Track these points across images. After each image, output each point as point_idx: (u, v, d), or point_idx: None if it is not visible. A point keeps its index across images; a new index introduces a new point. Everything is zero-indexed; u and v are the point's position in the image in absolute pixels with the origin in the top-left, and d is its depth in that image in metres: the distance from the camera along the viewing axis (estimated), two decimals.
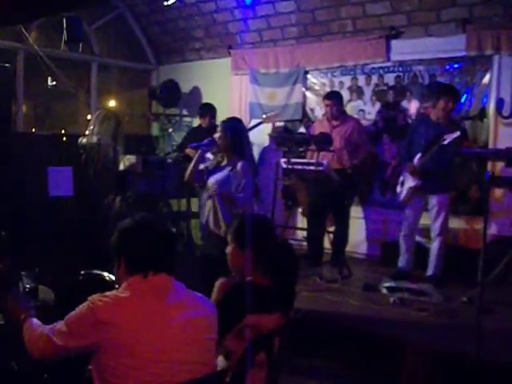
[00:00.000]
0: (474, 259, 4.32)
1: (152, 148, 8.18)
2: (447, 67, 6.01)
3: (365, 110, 6.70)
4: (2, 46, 6.99)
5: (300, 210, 7.14)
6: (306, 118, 7.24)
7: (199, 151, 4.22)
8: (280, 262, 2.46)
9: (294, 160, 5.75)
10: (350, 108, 6.68)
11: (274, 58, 7.41)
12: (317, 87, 7.16)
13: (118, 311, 1.92)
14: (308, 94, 7.24)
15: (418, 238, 5.65)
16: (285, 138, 6.48)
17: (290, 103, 7.32)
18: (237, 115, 7.52)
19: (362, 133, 6.04)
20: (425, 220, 5.51)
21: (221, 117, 5.88)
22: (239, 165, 4.06)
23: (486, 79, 5.76)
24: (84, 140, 6.60)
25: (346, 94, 6.62)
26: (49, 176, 5.59)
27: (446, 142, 4.96)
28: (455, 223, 5.92)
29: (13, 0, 4.10)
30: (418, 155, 5.23)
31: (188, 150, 6.24)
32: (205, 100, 8.23)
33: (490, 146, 5.72)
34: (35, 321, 2.19)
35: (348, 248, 6.14)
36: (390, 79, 6.47)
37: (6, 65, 6.33)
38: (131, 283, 2.03)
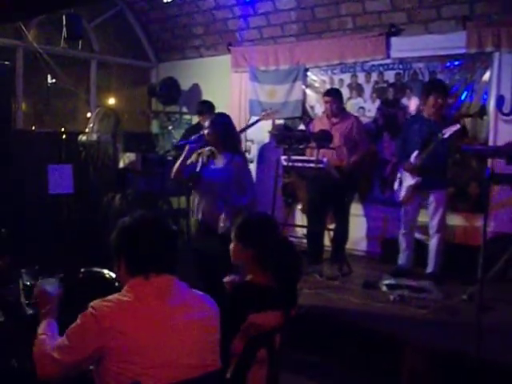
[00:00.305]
0: (474, 256, 4.32)
1: (152, 146, 8.17)
2: (447, 64, 6.00)
3: (365, 107, 6.69)
4: (1, 43, 6.98)
5: (300, 207, 7.14)
6: (305, 116, 7.23)
7: (187, 148, 4.17)
8: (282, 260, 2.45)
9: (294, 157, 5.74)
10: (350, 105, 6.68)
11: (274, 55, 7.40)
12: (317, 84, 7.15)
13: (122, 317, 1.87)
14: (308, 91, 7.23)
15: (417, 236, 5.66)
16: (285, 136, 6.47)
17: (290, 100, 7.31)
18: (237, 113, 7.58)
19: (361, 130, 6.04)
20: (424, 217, 5.51)
21: None
22: (235, 159, 4.09)
23: (487, 76, 5.75)
24: (84, 138, 6.61)
25: (345, 92, 6.61)
26: (49, 174, 5.59)
27: (446, 136, 4.97)
28: (455, 220, 5.92)
29: None
30: (415, 153, 5.23)
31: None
32: (205, 97, 8.22)
33: (490, 143, 5.72)
34: (51, 326, 2.10)
35: (348, 245, 6.15)
36: (389, 76, 6.46)
37: (6, 62, 6.34)
38: (133, 286, 1.98)
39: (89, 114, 7.58)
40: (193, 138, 4.21)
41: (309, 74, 7.20)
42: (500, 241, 5.14)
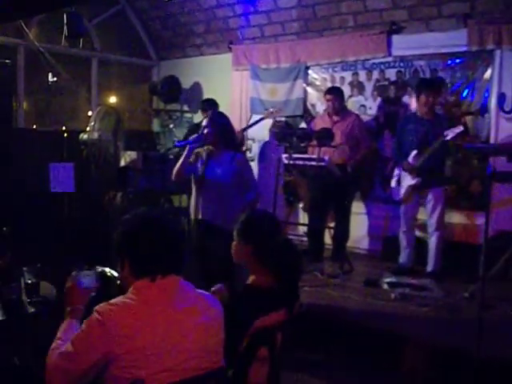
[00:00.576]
0: (475, 254, 4.32)
1: (153, 144, 8.19)
2: (449, 62, 5.99)
3: (366, 105, 6.69)
4: (2, 42, 6.98)
5: (301, 205, 7.14)
6: (307, 114, 7.23)
7: (187, 148, 4.12)
8: (282, 259, 2.45)
9: (295, 155, 5.75)
10: (351, 103, 6.68)
11: (275, 53, 7.40)
12: (318, 83, 7.14)
13: (129, 322, 1.80)
14: (309, 89, 7.23)
15: (418, 234, 5.66)
16: (286, 134, 6.48)
17: (291, 99, 7.31)
18: (238, 111, 7.59)
19: (362, 128, 6.05)
20: (424, 215, 5.52)
21: None
22: (237, 157, 4.09)
23: (488, 74, 5.74)
24: (85, 136, 6.62)
25: (347, 90, 6.61)
26: (50, 172, 5.59)
27: (448, 138, 4.99)
28: (456, 218, 5.92)
29: None
30: (414, 152, 5.25)
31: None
32: (206, 96, 8.22)
33: (492, 140, 5.71)
34: (72, 329, 1.98)
35: (349, 243, 6.15)
36: (391, 74, 6.46)
37: (7, 61, 6.35)
38: (139, 288, 1.91)
39: (90, 113, 7.59)
40: (192, 138, 4.17)
41: (310, 72, 7.20)
42: (501, 239, 5.14)
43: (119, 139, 6.76)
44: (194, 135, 4.18)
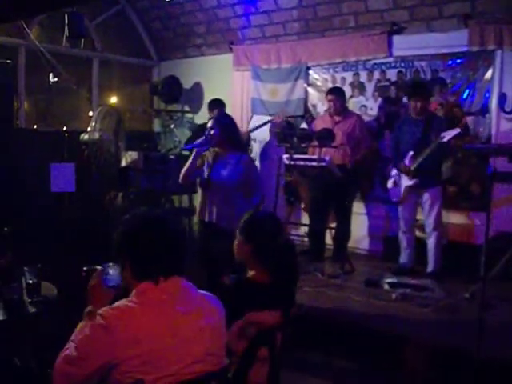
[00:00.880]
0: (476, 255, 4.32)
1: (154, 144, 8.19)
2: (449, 63, 5.99)
3: (367, 105, 6.69)
4: (3, 42, 6.98)
5: (302, 205, 7.14)
6: (308, 114, 7.23)
7: (194, 151, 4.10)
8: (280, 260, 2.47)
9: (296, 156, 5.75)
10: (352, 104, 6.68)
11: (276, 53, 7.40)
12: (319, 83, 7.15)
13: (133, 326, 1.77)
14: (310, 89, 7.23)
15: (418, 234, 5.66)
16: (287, 134, 6.48)
17: (292, 99, 7.31)
18: (238, 111, 7.59)
19: (363, 128, 6.05)
20: (422, 215, 5.53)
21: None
22: (242, 158, 4.04)
23: (489, 74, 5.74)
24: (86, 136, 6.62)
25: (347, 90, 6.61)
26: (51, 172, 5.60)
27: (445, 140, 5.00)
28: (457, 219, 5.93)
29: None
30: (410, 153, 5.26)
31: None
32: (206, 96, 8.23)
33: (493, 141, 5.71)
34: None
35: (350, 243, 6.15)
36: (392, 75, 6.46)
37: (8, 61, 6.35)
38: (142, 291, 1.88)
39: (91, 113, 7.58)
40: (199, 141, 4.11)
41: (311, 72, 7.20)
42: (501, 239, 5.14)
43: (120, 139, 6.76)
44: (202, 138, 4.11)
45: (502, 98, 5.66)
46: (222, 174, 4.01)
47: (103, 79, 8.40)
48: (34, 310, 3.02)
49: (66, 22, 6.50)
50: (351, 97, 6.74)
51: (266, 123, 6.96)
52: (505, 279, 4.87)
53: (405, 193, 5.38)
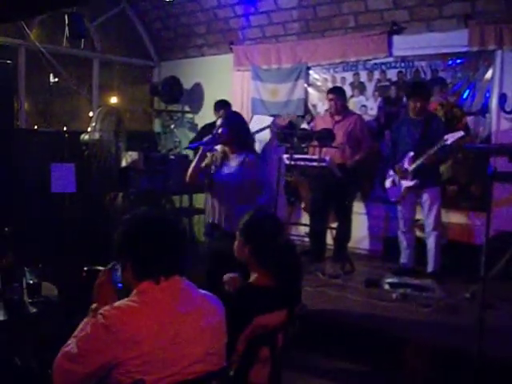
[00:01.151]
0: (476, 254, 4.32)
1: (154, 144, 8.18)
2: (449, 63, 6.00)
3: (367, 105, 6.69)
4: (3, 42, 6.98)
5: (302, 205, 7.15)
6: (308, 114, 7.23)
7: (200, 150, 3.99)
8: (281, 261, 2.46)
9: (296, 156, 5.74)
10: (352, 104, 6.68)
11: (276, 53, 7.40)
12: (319, 83, 7.15)
13: (135, 327, 1.76)
14: (310, 89, 7.23)
15: (418, 234, 5.66)
16: (287, 134, 6.48)
17: (292, 99, 7.31)
18: (239, 111, 7.56)
19: (364, 128, 6.05)
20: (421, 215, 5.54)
21: None
22: (248, 158, 3.88)
23: (489, 74, 5.74)
24: (86, 137, 6.61)
25: (348, 90, 6.61)
26: (51, 172, 5.60)
27: (448, 142, 4.99)
28: (457, 219, 5.93)
29: None
30: (410, 154, 5.26)
31: None
32: (207, 96, 8.25)
33: (493, 141, 5.71)
34: None
35: (350, 244, 6.15)
36: (392, 75, 6.47)
37: (8, 61, 6.34)
38: (142, 291, 1.87)
39: (91, 113, 7.58)
40: (205, 139, 3.97)
41: (311, 72, 7.20)
42: (501, 239, 5.14)
43: (120, 140, 6.75)
44: (208, 136, 3.97)
45: (502, 98, 5.66)
46: (225, 175, 3.92)
47: (103, 80, 8.41)
48: (34, 310, 3.02)
49: (67, 22, 6.50)
50: (351, 97, 6.74)
51: (269, 126, 6.95)
52: (505, 279, 4.88)
53: (404, 193, 5.38)
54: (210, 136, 3.97)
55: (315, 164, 5.56)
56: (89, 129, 6.64)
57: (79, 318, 1.94)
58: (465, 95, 5.91)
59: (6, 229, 3.81)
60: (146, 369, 1.76)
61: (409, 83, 6.17)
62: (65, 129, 6.96)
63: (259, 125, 7.11)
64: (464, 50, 5.82)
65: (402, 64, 6.37)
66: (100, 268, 2.21)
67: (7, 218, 5.01)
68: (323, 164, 5.50)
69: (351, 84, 6.81)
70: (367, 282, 5.24)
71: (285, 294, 2.45)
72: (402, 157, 5.37)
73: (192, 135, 8.16)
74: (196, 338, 1.88)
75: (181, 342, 1.83)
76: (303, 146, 6.32)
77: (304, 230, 6.74)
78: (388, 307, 4.62)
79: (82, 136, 6.65)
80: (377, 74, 6.59)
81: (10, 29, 7.00)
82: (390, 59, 6.44)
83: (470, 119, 5.87)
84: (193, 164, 4.01)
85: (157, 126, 8.97)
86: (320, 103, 7.11)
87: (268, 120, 7.26)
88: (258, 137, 7.49)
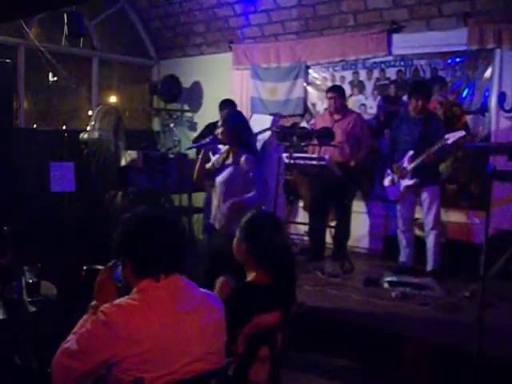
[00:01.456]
0: (475, 253, 4.32)
1: (153, 143, 8.19)
2: (449, 61, 5.99)
3: (366, 104, 6.69)
4: (2, 41, 6.98)
5: (302, 204, 7.15)
6: (307, 113, 7.23)
7: (203, 151, 4.05)
8: (277, 260, 2.47)
9: (295, 154, 5.75)
10: (352, 102, 6.68)
11: (276, 52, 7.40)
12: (318, 82, 7.15)
13: (135, 324, 1.76)
14: (309, 88, 7.23)
15: (417, 232, 5.66)
16: (286, 133, 6.47)
17: (292, 98, 7.31)
18: (240, 111, 7.55)
19: (363, 127, 6.05)
20: (420, 214, 5.54)
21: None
22: (242, 158, 3.87)
23: (488, 73, 5.74)
24: (85, 136, 6.62)
25: (347, 89, 6.60)
26: (51, 172, 5.60)
27: (449, 142, 4.99)
28: (456, 217, 5.93)
29: None
30: (410, 153, 5.25)
31: None
32: (206, 95, 8.26)
33: (492, 139, 5.72)
34: None
35: (350, 242, 6.15)
36: (391, 73, 6.46)
37: (7, 60, 6.35)
38: (143, 289, 1.88)
39: (90, 112, 7.59)
40: (206, 140, 4.03)
41: (310, 71, 7.20)
42: (501, 238, 5.14)
43: (119, 139, 6.76)
44: (210, 137, 4.02)
45: (502, 97, 5.66)
46: (222, 175, 3.96)
47: (103, 78, 8.40)
48: (33, 309, 3.02)
49: (66, 21, 6.51)
50: (351, 95, 6.74)
51: (263, 131, 6.94)
52: (504, 278, 4.88)
53: (403, 191, 5.38)
54: (210, 137, 4.02)
55: (314, 163, 5.56)
56: (88, 128, 6.65)
57: (78, 317, 1.95)
58: (464, 94, 5.91)
59: (6, 228, 3.82)
60: (146, 367, 1.76)
61: (409, 82, 6.17)
62: (64, 128, 6.97)
63: (259, 124, 7.11)
64: (463, 48, 5.82)
65: (402, 63, 6.37)
66: (99, 267, 2.21)
67: (6, 217, 5.01)
68: (322, 163, 5.50)
69: (350, 83, 6.80)
70: (366, 281, 5.24)
71: (281, 293, 2.46)
72: (401, 155, 5.37)
73: (191, 134, 8.17)
74: (196, 337, 1.88)
75: (180, 341, 1.83)
76: (303, 144, 6.31)
77: (303, 228, 6.74)
78: (387, 306, 4.61)
79: (82, 135, 6.65)
80: (376, 73, 6.59)
81: (9, 28, 6.99)
82: (390, 58, 6.44)
83: (469, 118, 5.87)
84: (197, 165, 4.06)
85: (156, 125, 8.97)
86: (319, 102, 7.10)
87: (268, 119, 7.26)
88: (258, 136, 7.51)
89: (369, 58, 6.59)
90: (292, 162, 5.72)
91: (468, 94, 5.89)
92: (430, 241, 5.32)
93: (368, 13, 6.42)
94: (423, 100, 5.29)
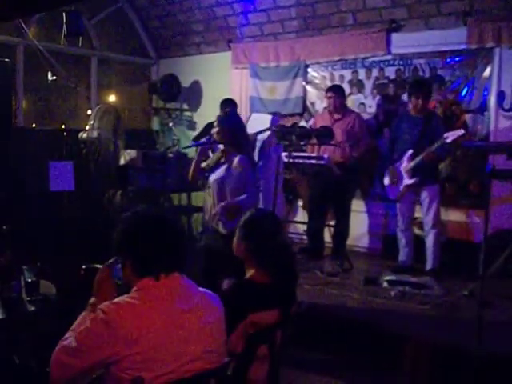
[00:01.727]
0: (474, 252, 4.33)
1: (152, 142, 8.19)
2: (448, 60, 5.99)
3: (365, 103, 6.69)
4: (1, 40, 6.97)
5: (301, 203, 7.15)
6: (306, 112, 7.23)
7: (198, 150, 4.14)
8: (277, 260, 2.47)
9: (295, 154, 5.75)
10: (351, 101, 6.68)
11: (275, 51, 7.40)
12: (317, 81, 7.15)
13: (135, 323, 1.77)
14: (308, 87, 7.23)
15: (417, 232, 5.66)
16: (285, 132, 6.47)
17: (291, 97, 7.31)
18: (237, 109, 7.56)
19: (363, 126, 6.04)
20: (420, 213, 5.54)
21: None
22: (236, 159, 3.91)
23: (487, 72, 5.74)
24: (84, 135, 6.62)
25: (346, 88, 6.59)
26: (50, 171, 5.60)
27: (448, 141, 4.99)
28: (455, 216, 5.93)
29: None
30: (409, 152, 5.25)
31: None
32: (205, 94, 8.24)
33: (491, 139, 5.72)
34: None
35: (349, 241, 6.15)
36: (390, 72, 6.46)
37: (6, 60, 6.34)
38: (143, 288, 1.88)
39: (89, 111, 7.58)
40: (202, 140, 4.15)
41: (309, 70, 7.20)
42: (500, 237, 5.14)
43: (119, 138, 6.76)
44: (206, 137, 4.13)
45: (501, 96, 5.66)
46: (216, 175, 4.02)
47: (102, 78, 8.39)
48: (32, 308, 3.02)
49: (65, 20, 6.49)
50: (350, 94, 6.73)
51: (263, 131, 6.94)
52: (503, 277, 4.88)
53: (403, 190, 5.38)
54: (206, 138, 4.13)
55: (314, 162, 5.56)
56: (87, 127, 6.65)
57: (78, 316, 1.94)
58: (463, 93, 5.91)
59: (5, 227, 3.82)
60: (145, 366, 1.76)
61: (408, 81, 6.17)
62: (63, 127, 6.96)
63: (258, 123, 7.11)
64: (462, 47, 5.81)
65: (401, 62, 6.37)
66: (98, 266, 2.21)
67: (6, 217, 5.01)
68: (322, 162, 5.50)
69: (350, 82, 6.80)
70: (366, 280, 5.24)
71: (281, 292, 2.46)
72: (400, 154, 5.36)
73: (190, 133, 8.17)
74: (195, 336, 1.88)
75: (180, 340, 1.84)
76: (302, 143, 6.31)
77: (302, 227, 6.74)
78: (386, 305, 4.61)
79: (81, 134, 6.65)
80: (375, 72, 6.59)
81: (8, 27, 6.99)
82: (389, 57, 6.44)
83: (468, 117, 5.87)
84: (193, 163, 4.13)
85: (155, 124, 8.96)
86: (318, 101, 7.10)
87: (267, 118, 7.27)
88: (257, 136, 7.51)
89: (368, 57, 6.58)
90: (291, 161, 5.73)
91: (467, 93, 5.89)
92: (430, 240, 5.32)
93: (367, 12, 6.42)
94: (423, 99, 5.28)
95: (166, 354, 1.79)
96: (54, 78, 7.13)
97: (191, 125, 8.47)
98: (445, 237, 5.68)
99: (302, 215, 7.06)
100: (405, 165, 5.30)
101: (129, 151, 6.80)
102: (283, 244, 2.58)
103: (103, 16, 8.12)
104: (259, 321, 2.32)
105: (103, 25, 8.20)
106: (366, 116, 6.51)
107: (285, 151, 5.97)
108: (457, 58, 5.94)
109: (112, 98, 8.58)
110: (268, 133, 7.10)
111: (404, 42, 6.28)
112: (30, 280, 3.19)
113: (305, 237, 6.52)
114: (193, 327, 1.88)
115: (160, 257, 1.91)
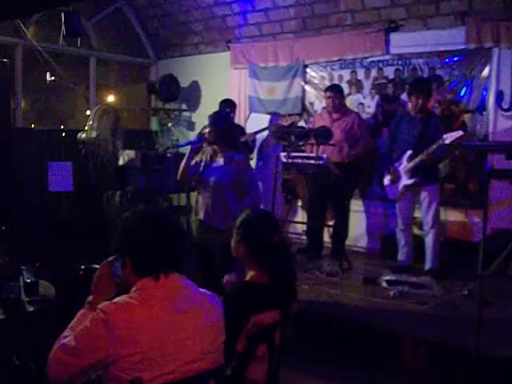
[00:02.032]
0: (474, 252, 4.32)
1: (151, 143, 8.18)
2: (446, 60, 6.00)
3: (364, 103, 6.69)
4: (0, 41, 6.96)
5: (300, 203, 7.15)
6: (305, 112, 7.23)
7: (189, 148, 4.15)
8: (276, 260, 2.47)
9: (293, 154, 5.75)
10: (350, 101, 6.68)
11: (273, 51, 7.40)
12: (316, 81, 7.15)
13: (134, 323, 1.77)
14: (307, 87, 7.23)
15: (416, 231, 5.67)
16: (284, 132, 6.48)
17: (290, 97, 7.31)
18: (236, 109, 7.57)
19: (362, 126, 6.05)
20: (419, 213, 5.54)
21: None
22: (236, 158, 4.02)
23: (486, 72, 5.75)
24: (83, 135, 6.62)
25: (345, 88, 6.60)
26: (48, 171, 5.60)
27: (447, 142, 4.98)
28: (455, 216, 5.93)
29: None
30: (409, 152, 5.25)
31: None
32: (204, 95, 8.24)
33: (490, 138, 5.72)
34: None
35: (348, 241, 6.16)
36: (389, 72, 6.46)
37: (5, 60, 6.33)
38: (142, 288, 1.88)
39: (88, 112, 7.58)
40: (193, 138, 4.20)
41: (308, 70, 7.20)
42: (499, 237, 5.15)
43: (117, 138, 6.76)
44: (196, 136, 4.22)
45: (499, 96, 5.66)
46: (213, 173, 4.05)
47: (100, 78, 8.39)
48: (31, 308, 3.02)
49: (63, 20, 6.48)
50: (348, 94, 6.74)
51: (261, 130, 6.95)
52: (502, 277, 4.89)
53: (402, 190, 5.39)
54: (198, 135, 4.23)
55: (312, 162, 5.56)
56: (86, 127, 6.65)
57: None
58: (462, 93, 5.91)
59: (4, 227, 3.82)
60: (144, 366, 1.76)
61: (407, 81, 6.18)
62: (62, 127, 6.96)
63: (257, 123, 7.12)
64: (461, 47, 5.81)
65: (399, 62, 6.37)
66: (97, 266, 2.21)
67: (5, 217, 5.00)
68: (320, 162, 5.50)
69: (348, 82, 6.80)
70: (365, 280, 5.24)
71: (281, 292, 2.46)
72: (400, 154, 5.36)
73: (189, 133, 8.17)
74: (194, 336, 1.88)
75: (179, 340, 1.84)
76: (300, 143, 6.31)
77: (301, 227, 6.74)
78: (385, 304, 4.62)
79: (79, 135, 6.65)
80: (374, 72, 6.59)
81: (6, 27, 6.98)
82: (387, 57, 6.44)
83: (467, 117, 5.87)
84: (183, 162, 4.15)
85: (154, 125, 8.95)
86: (317, 101, 7.10)
87: (266, 118, 7.28)
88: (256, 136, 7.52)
89: (366, 57, 6.58)
90: (290, 161, 5.73)
91: (466, 92, 5.89)
92: (429, 240, 5.33)
93: (366, 12, 6.42)
94: (423, 98, 5.27)
95: (165, 354, 1.79)
96: (53, 78, 7.12)
97: (190, 125, 8.46)
98: (443, 237, 5.68)
99: (301, 215, 7.07)
100: (404, 165, 5.31)
101: (128, 151, 6.80)
102: (281, 244, 2.58)
103: (102, 16, 8.11)
104: (261, 321, 2.32)
105: (102, 25, 8.19)
106: (364, 116, 6.51)
107: (283, 151, 5.97)
108: (455, 58, 5.94)
109: (111, 98, 8.58)
110: (266, 133, 7.13)
111: (403, 42, 6.28)
112: (28, 280, 3.19)
113: (304, 237, 6.52)
114: (192, 327, 1.88)
115: (160, 257, 1.91)
